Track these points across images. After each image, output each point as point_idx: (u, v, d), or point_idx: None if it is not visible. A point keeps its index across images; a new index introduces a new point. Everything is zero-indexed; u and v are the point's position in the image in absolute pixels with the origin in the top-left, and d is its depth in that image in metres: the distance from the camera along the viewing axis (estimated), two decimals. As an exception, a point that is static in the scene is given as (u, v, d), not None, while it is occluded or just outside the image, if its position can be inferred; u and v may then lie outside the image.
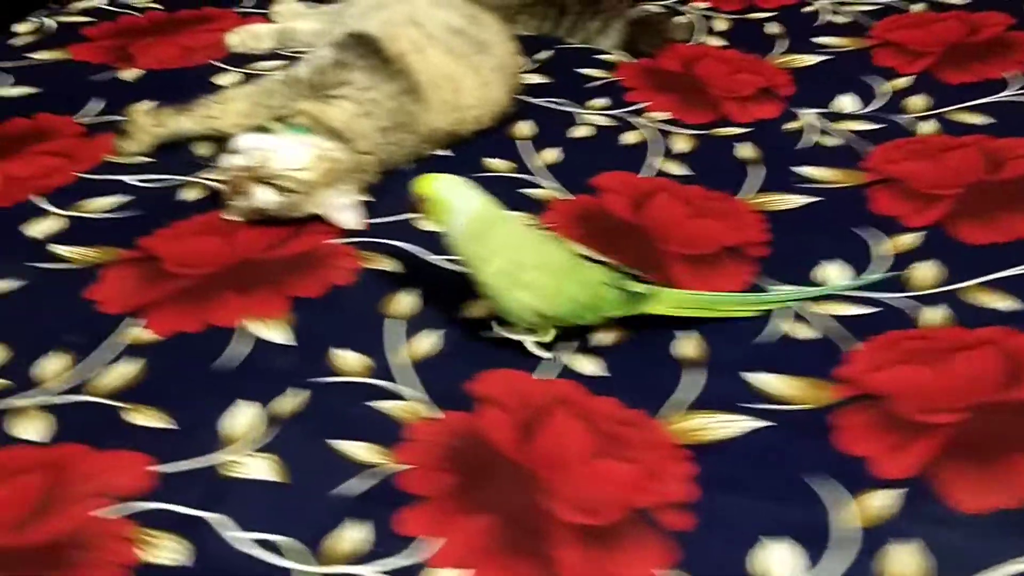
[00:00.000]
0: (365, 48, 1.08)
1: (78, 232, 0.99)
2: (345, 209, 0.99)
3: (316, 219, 0.99)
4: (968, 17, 1.38)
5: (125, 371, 0.83)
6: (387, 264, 0.95)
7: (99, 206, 1.02)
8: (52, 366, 0.83)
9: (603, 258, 0.85)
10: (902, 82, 1.24)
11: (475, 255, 0.82)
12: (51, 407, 0.80)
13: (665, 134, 1.16)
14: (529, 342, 0.85)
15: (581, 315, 0.84)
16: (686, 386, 0.82)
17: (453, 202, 0.82)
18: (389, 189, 1.05)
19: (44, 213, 1.01)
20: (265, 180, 0.96)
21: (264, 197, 0.96)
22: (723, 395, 0.80)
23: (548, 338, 0.85)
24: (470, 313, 0.89)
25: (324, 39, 1.31)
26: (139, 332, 0.87)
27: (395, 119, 1.06)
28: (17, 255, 0.95)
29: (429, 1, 1.19)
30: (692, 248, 0.97)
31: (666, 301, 0.86)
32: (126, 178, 1.06)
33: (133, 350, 0.85)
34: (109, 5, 1.45)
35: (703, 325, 0.86)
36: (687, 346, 0.85)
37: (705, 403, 0.80)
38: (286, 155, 0.96)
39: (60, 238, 0.98)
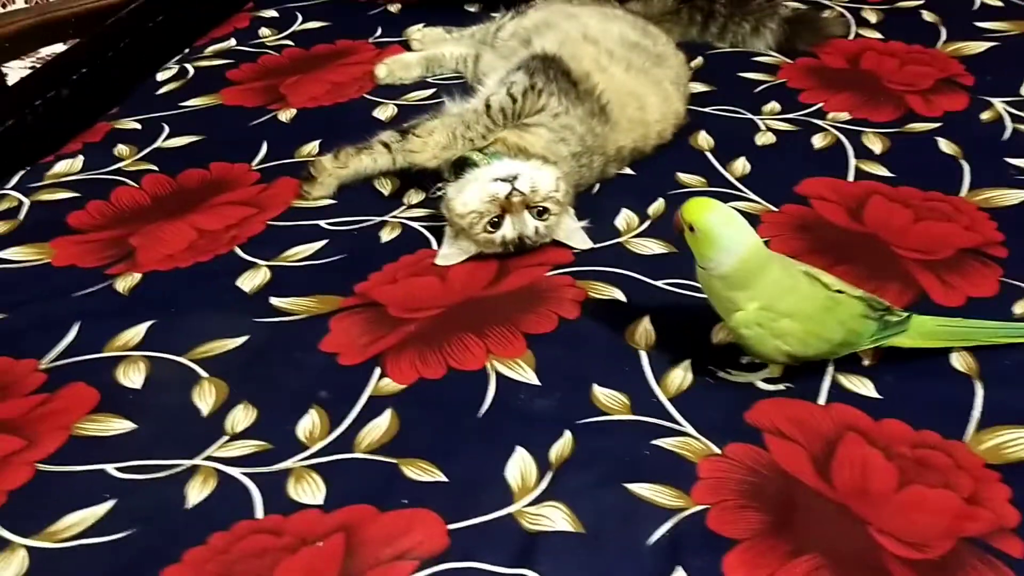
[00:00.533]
0: (554, 70, 1.05)
1: (290, 281, 0.96)
2: (578, 232, 0.97)
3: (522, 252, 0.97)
4: None
5: (380, 424, 0.80)
6: (610, 292, 0.92)
7: (302, 253, 1.00)
8: (307, 424, 0.81)
9: (858, 292, 0.81)
10: (1084, 63, 1.20)
11: (732, 298, 0.77)
12: (319, 467, 0.77)
13: (854, 134, 1.12)
14: (758, 380, 0.82)
15: (836, 351, 0.80)
16: (973, 402, 0.78)
17: (724, 240, 0.75)
18: (583, 215, 1.02)
19: (250, 265, 0.98)
20: (534, 205, 0.94)
21: (532, 223, 0.94)
22: (1013, 409, 0.77)
23: (777, 374, 0.81)
24: (713, 339, 0.86)
25: (472, 63, 1.30)
26: (384, 383, 0.84)
27: (585, 143, 1.03)
28: (238, 310, 0.93)
29: (598, 15, 1.16)
30: (929, 253, 0.93)
31: (921, 329, 0.81)
32: (320, 222, 1.04)
33: (377, 402, 0.82)
34: (240, 46, 1.43)
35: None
36: (958, 361, 0.82)
37: (997, 419, 0.76)
38: (543, 178, 0.94)
39: (274, 289, 0.95)
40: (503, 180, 0.93)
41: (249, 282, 0.96)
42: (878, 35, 1.31)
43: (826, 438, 0.76)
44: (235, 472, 0.76)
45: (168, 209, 1.06)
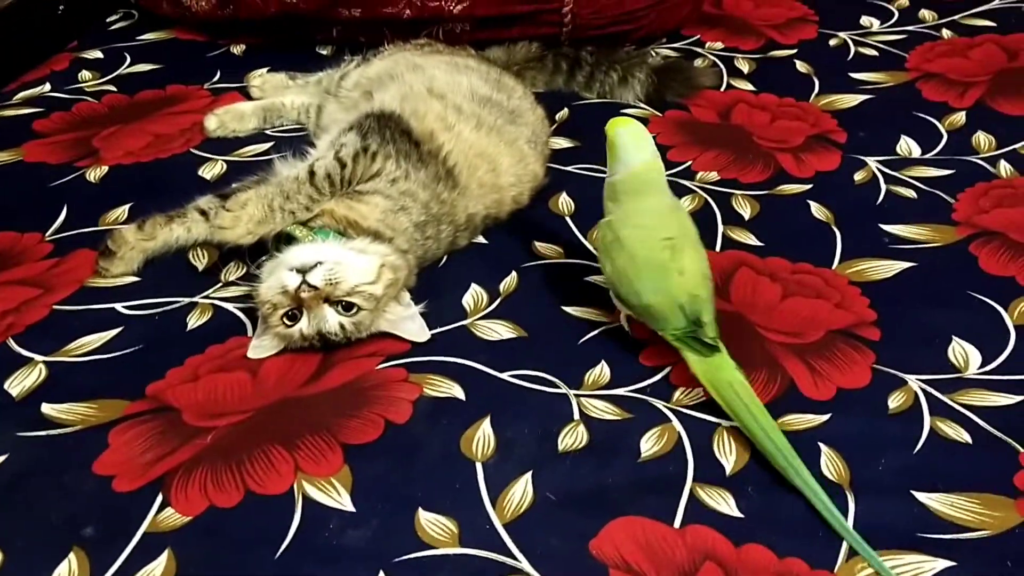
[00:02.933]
0: (392, 129, 0.93)
1: (69, 383, 0.81)
2: (411, 321, 0.84)
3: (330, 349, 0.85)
4: (1003, 40, 1.31)
5: (153, 571, 0.66)
6: (449, 388, 0.81)
7: (89, 345, 0.85)
8: (63, 572, 0.66)
9: (708, 316, 0.79)
10: (959, 118, 1.15)
11: (606, 208, 0.84)
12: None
13: (723, 196, 1.04)
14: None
15: (638, 310, 0.81)
16: (845, 517, 0.69)
17: (623, 152, 0.81)
18: (427, 292, 0.90)
19: (24, 361, 0.83)
20: (336, 300, 0.81)
21: (334, 319, 0.81)
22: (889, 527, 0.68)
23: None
24: (563, 445, 0.75)
25: (315, 114, 1.17)
26: (165, 514, 0.69)
27: (431, 211, 0.92)
28: (3, 426, 0.77)
29: (446, 66, 1.05)
30: (798, 336, 0.84)
31: (716, 371, 0.78)
32: (117, 305, 0.89)
33: (153, 540, 0.67)
34: (55, 92, 1.26)
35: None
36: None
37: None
38: (354, 267, 0.81)
39: (48, 393, 0.80)
40: (297, 270, 0.81)
41: (19, 384, 0.81)
42: (750, 87, 1.24)
43: (681, 569, 0.66)
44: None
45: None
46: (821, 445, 0.74)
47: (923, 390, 0.79)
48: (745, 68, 1.28)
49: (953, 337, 0.84)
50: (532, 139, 1.03)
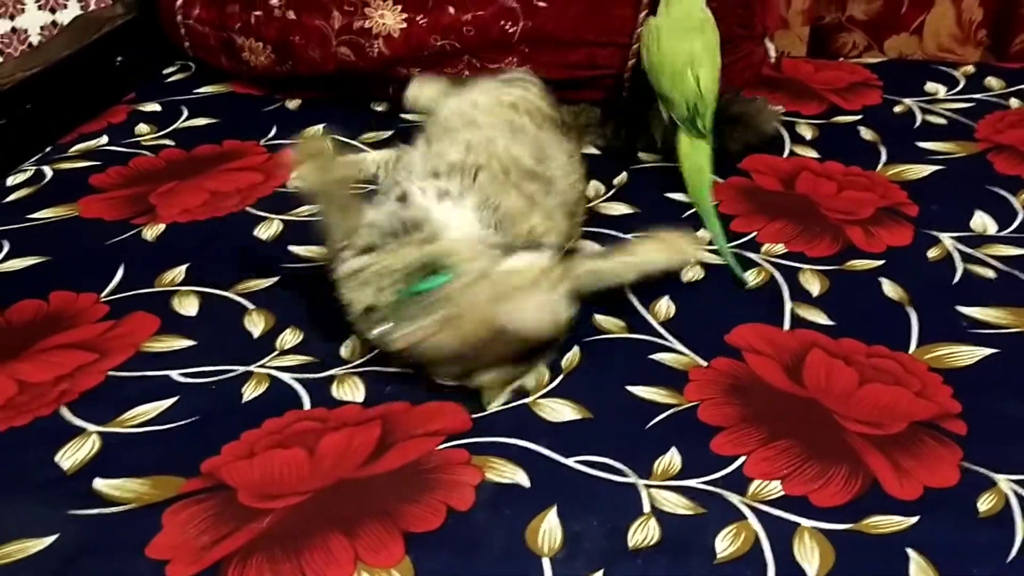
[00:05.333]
0: None
1: (123, 456, 0.79)
2: None
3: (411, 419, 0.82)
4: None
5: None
6: (512, 473, 0.77)
7: (142, 416, 0.83)
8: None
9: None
10: (1033, 192, 1.11)
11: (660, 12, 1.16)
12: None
13: (790, 271, 1.01)
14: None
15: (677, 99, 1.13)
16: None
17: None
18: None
19: (77, 432, 0.81)
20: None
21: None
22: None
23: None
24: (634, 541, 0.71)
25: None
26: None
27: None
28: (51, 495, 0.75)
29: (511, 132, 1.03)
30: (878, 426, 0.81)
31: (697, 156, 1.13)
32: (172, 373, 0.87)
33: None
34: (112, 145, 1.27)
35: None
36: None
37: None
38: None
39: (101, 467, 0.78)
40: None
41: (72, 456, 0.79)
42: (814, 154, 1.22)
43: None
44: None
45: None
46: (909, 551, 0.70)
47: (1014, 491, 0.75)
48: (808, 134, 1.26)
49: (1036, 433, 0.80)
50: (561, 205, 1.01)
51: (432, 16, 1.25)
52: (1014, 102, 1.30)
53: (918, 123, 1.27)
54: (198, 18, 1.36)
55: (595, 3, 1.22)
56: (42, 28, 1.57)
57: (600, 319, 0.94)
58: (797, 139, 1.25)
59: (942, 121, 1.27)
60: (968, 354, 0.88)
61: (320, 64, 1.31)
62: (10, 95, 1.23)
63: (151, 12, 1.43)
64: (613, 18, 1.21)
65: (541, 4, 1.21)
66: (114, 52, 1.40)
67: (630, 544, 0.71)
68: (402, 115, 1.31)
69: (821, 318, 0.94)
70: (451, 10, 1.24)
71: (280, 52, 1.32)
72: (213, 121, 1.31)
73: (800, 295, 0.97)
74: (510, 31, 1.22)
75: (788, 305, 0.95)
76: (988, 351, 0.88)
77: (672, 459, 0.78)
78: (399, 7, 1.26)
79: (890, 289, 0.97)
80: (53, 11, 1.55)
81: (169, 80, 1.42)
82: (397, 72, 1.28)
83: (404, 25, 1.25)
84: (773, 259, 1.02)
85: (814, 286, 0.98)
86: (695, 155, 1.13)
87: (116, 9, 1.46)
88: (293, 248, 1.05)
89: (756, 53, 1.30)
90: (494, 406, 0.83)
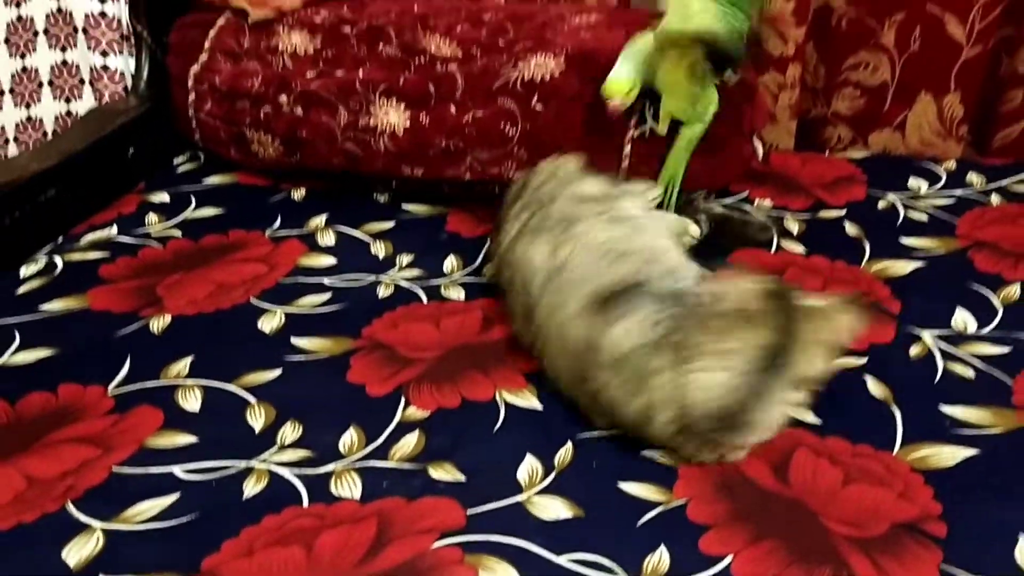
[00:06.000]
0: None
1: (127, 554, 0.81)
2: None
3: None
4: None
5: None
6: (505, 571, 0.79)
7: (145, 512, 0.84)
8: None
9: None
10: (1013, 291, 1.15)
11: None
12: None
13: (778, 368, 1.04)
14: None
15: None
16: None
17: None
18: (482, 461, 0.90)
19: (83, 527, 0.83)
20: None
21: None
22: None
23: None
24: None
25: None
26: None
27: None
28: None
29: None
30: (860, 527, 0.83)
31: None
32: (175, 469, 0.89)
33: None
34: (121, 235, 1.31)
35: None
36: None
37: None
38: None
39: (105, 566, 0.80)
40: None
41: (77, 553, 0.81)
42: (800, 248, 1.26)
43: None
44: None
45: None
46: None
47: (994, 595, 0.77)
48: (795, 228, 1.30)
49: (1020, 535, 0.81)
50: None
51: (435, 115, 1.31)
52: (995, 199, 1.35)
53: (901, 219, 1.31)
54: (210, 112, 1.42)
55: (590, 108, 1.27)
56: (57, 117, 1.64)
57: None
58: (784, 233, 1.29)
59: (924, 218, 1.31)
60: (950, 455, 0.90)
61: (327, 158, 1.36)
62: (26, 187, 1.28)
63: (163, 104, 1.49)
64: (607, 122, 1.27)
65: (539, 108, 1.27)
66: (127, 143, 1.45)
67: (620, 648, 0.73)
68: (403, 206, 1.36)
69: (808, 416, 0.96)
70: (453, 110, 1.30)
71: (288, 145, 1.38)
72: (220, 211, 1.36)
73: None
74: (509, 133, 1.28)
75: (775, 401, 0.98)
76: (970, 451, 0.91)
77: (661, 557, 0.81)
78: (403, 105, 1.32)
79: (874, 387, 1.00)
80: (68, 100, 1.62)
81: (179, 170, 1.47)
82: (400, 170, 1.33)
83: (408, 124, 1.31)
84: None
85: (801, 385, 1.01)
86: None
87: (130, 101, 1.52)
88: (295, 340, 1.09)
89: (745, 150, 1.35)
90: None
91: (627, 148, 1.28)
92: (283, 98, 1.35)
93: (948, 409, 0.96)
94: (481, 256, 1.23)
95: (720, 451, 0.89)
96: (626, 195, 1.14)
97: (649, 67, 1.22)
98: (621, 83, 1.21)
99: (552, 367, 0.98)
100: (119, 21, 1.54)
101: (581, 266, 0.99)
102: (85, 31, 1.55)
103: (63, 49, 1.56)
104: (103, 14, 1.53)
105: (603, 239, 1.02)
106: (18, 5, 1.57)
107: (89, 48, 1.55)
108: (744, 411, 0.86)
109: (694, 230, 1.23)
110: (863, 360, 1.03)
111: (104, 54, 1.54)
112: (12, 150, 1.61)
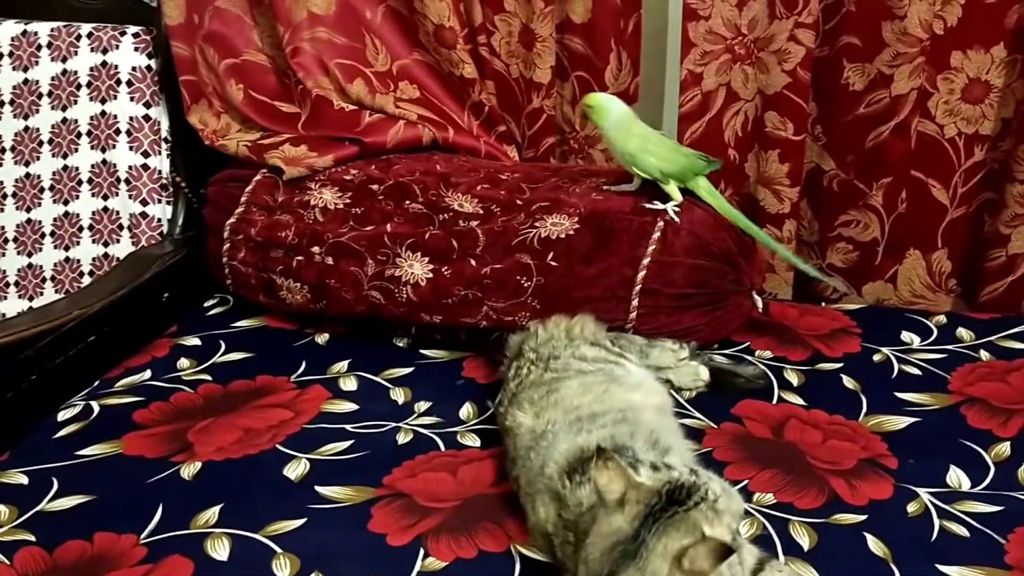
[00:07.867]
0: None
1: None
2: None
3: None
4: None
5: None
6: None
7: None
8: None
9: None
10: (1003, 448, 1.20)
11: (619, 136, 1.39)
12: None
13: (781, 523, 1.08)
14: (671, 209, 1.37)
15: (684, 176, 1.39)
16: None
17: (609, 105, 1.40)
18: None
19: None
20: None
21: None
22: None
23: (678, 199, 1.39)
24: None
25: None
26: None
27: None
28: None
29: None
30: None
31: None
32: None
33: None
34: (155, 380, 1.37)
35: None
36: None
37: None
38: None
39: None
40: None
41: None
42: (800, 400, 1.32)
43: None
44: None
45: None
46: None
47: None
48: (795, 380, 1.36)
49: None
50: None
51: (456, 268, 1.40)
52: (984, 354, 1.41)
53: (895, 373, 1.37)
54: (243, 260, 1.51)
55: (601, 263, 1.36)
56: (94, 259, 1.73)
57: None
58: (785, 385, 1.35)
59: (917, 372, 1.37)
60: (948, 612, 0.94)
61: (352, 305, 1.44)
62: (67, 332, 1.36)
63: (197, 249, 1.59)
64: (616, 276, 1.35)
65: (553, 264, 1.36)
66: (162, 288, 1.54)
67: None
68: (422, 351, 1.43)
69: (812, 573, 1.00)
70: (473, 263, 1.39)
71: (316, 292, 1.46)
72: (248, 355, 1.43)
73: (792, 549, 1.04)
74: (524, 285, 1.37)
75: (782, 559, 1.02)
76: (968, 614, 0.94)
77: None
78: (427, 259, 1.41)
79: (874, 544, 1.04)
80: (106, 244, 1.72)
81: (209, 313, 1.55)
82: (420, 318, 1.41)
83: (431, 275, 1.40)
84: (764, 509, 1.10)
85: (803, 539, 1.05)
86: (712, 196, 1.40)
87: (165, 247, 1.62)
88: (319, 488, 1.13)
89: (744, 305, 1.43)
90: None
91: (634, 301, 1.37)
92: (315, 248, 1.45)
93: (945, 569, 1.00)
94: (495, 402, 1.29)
95: None
96: (628, 353, 1.24)
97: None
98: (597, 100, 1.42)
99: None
100: (159, 172, 1.65)
101: (555, 432, 1.07)
102: (127, 181, 1.66)
103: (105, 197, 1.67)
104: (145, 166, 1.65)
105: (576, 404, 1.11)
106: (65, 156, 1.70)
107: (130, 197, 1.65)
108: None
109: (704, 374, 1.32)
110: (862, 517, 1.08)
111: (144, 203, 1.65)
112: (49, 289, 1.70)
